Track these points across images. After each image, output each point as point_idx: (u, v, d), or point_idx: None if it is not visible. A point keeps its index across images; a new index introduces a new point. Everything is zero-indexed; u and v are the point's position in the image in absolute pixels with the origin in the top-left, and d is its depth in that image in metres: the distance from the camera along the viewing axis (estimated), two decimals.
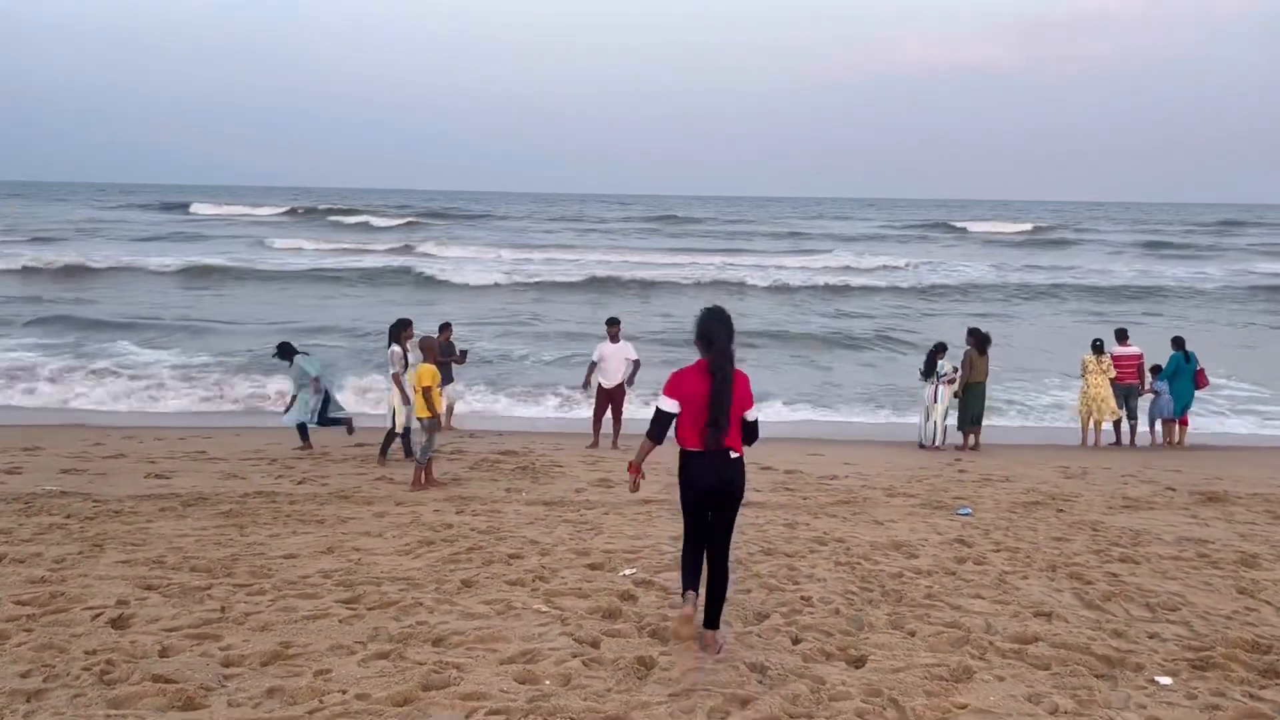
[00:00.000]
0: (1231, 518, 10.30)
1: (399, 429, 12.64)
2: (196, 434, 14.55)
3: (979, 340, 15.59)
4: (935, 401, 15.21)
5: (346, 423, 13.71)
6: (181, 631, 6.06)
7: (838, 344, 25.90)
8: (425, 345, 11.93)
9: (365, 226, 72.07)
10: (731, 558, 6.47)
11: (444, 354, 15.25)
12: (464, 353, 16.04)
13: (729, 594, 6.15)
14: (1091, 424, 15.78)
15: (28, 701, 5.03)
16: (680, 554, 6.21)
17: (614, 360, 14.28)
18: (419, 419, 11.46)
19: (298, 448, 13.48)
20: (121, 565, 7.57)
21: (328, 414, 13.73)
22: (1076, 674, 5.57)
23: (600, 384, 14.40)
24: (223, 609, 6.52)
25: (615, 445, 14.23)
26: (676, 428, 5.87)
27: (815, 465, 13.23)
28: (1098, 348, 15.93)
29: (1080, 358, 16.13)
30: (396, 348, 12.62)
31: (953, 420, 15.36)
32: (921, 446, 15.22)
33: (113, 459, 12.50)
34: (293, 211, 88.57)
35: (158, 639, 5.89)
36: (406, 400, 12.25)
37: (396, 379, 12.40)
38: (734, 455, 5.85)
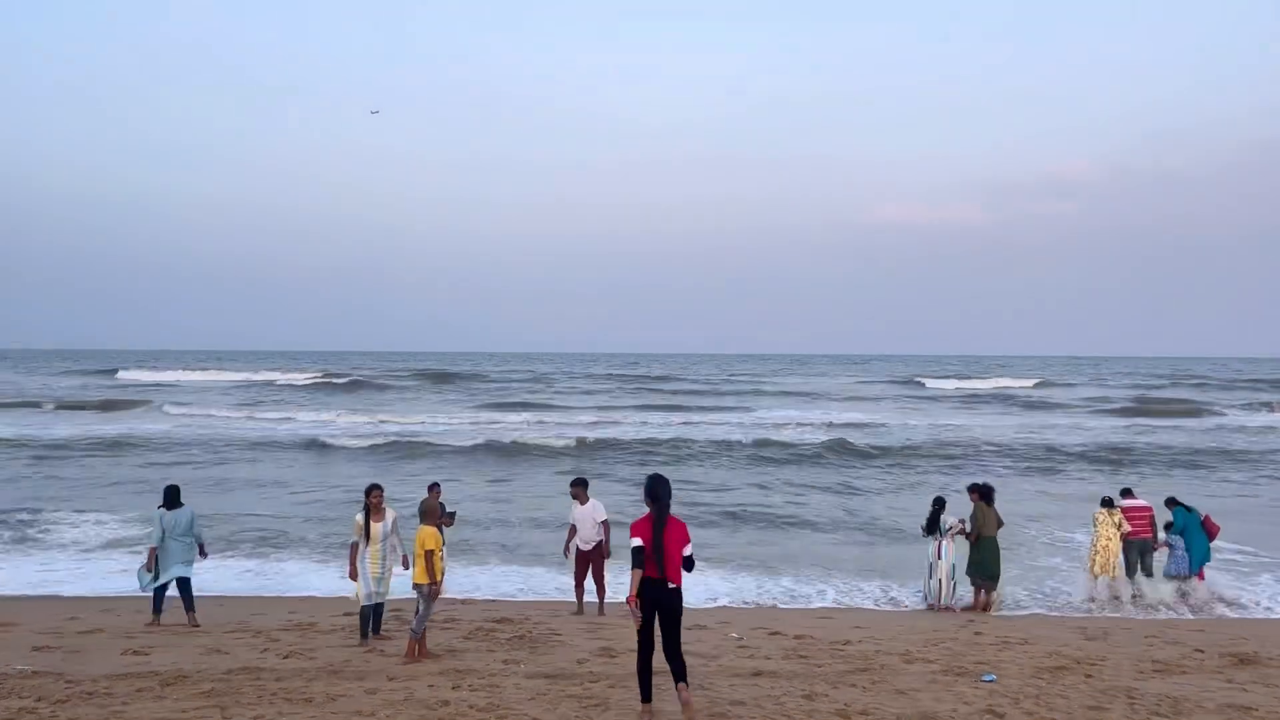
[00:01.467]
0: (1268, 680, 9.85)
1: (362, 601, 11.58)
2: (177, 604, 13.94)
3: (983, 492, 15.33)
4: (940, 558, 14.80)
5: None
6: None
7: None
8: (427, 507, 11.50)
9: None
10: None
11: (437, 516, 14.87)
12: (452, 514, 15.65)
13: None
14: (1101, 579, 15.36)
15: None
16: (636, 669, 8.30)
17: (584, 523, 13.78)
18: (416, 585, 10.93)
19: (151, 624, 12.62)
20: None
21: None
22: None
23: (578, 547, 13.90)
24: None
25: (601, 612, 13.69)
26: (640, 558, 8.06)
27: (825, 630, 12.73)
28: (1108, 502, 15.66)
29: (1092, 514, 15.82)
30: (359, 516, 11.66)
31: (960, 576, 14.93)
32: (930, 607, 14.73)
33: (88, 634, 11.91)
34: None
35: None
36: (352, 576, 11.52)
37: (351, 550, 11.56)
38: (672, 586, 8.12)
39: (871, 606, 14.96)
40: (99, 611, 13.31)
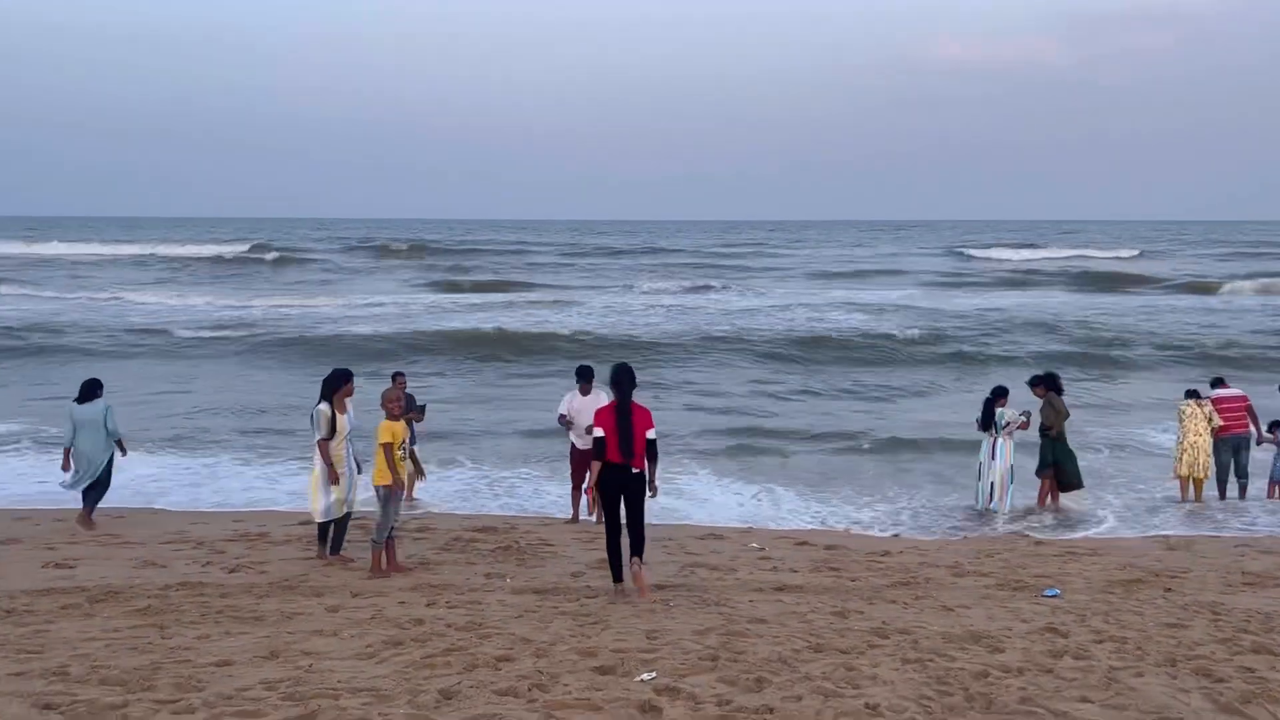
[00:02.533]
0: None
1: (318, 516, 11.65)
2: (105, 514, 14.21)
3: (1050, 383, 15.47)
4: (994, 458, 14.95)
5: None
6: None
7: None
8: (388, 397, 11.53)
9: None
10: (772, 654, 7.74)
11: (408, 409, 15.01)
12: (423, 407, 15.78)
13: None
14: (1191, 483, 15.56)
15: None
16: (606, 552, 10.13)
17: (586, 416, 13.28)
18: (376, 487, 11.11)
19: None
20: (14, 679, 7.23)
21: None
22: None
23: (574, 445, 14.07)
24: None
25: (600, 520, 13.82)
26: (603, 448, 9.82)
27: (859, 540, 12.98)
28: (1194, 394, 15.76)
29: (1177, 407, 15.92)
30: (324, 406, 11.59)
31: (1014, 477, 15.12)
32: (978, 511, 14.97)
33: (2, 545, 12.17)
34: None
35: None
36: (334, 479, 11.46)
37: (321, 447, 11.52)
38: (635, 471, 9.84)
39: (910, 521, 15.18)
40: (12, 520, 13.57)
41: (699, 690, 6.92)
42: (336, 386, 11.68)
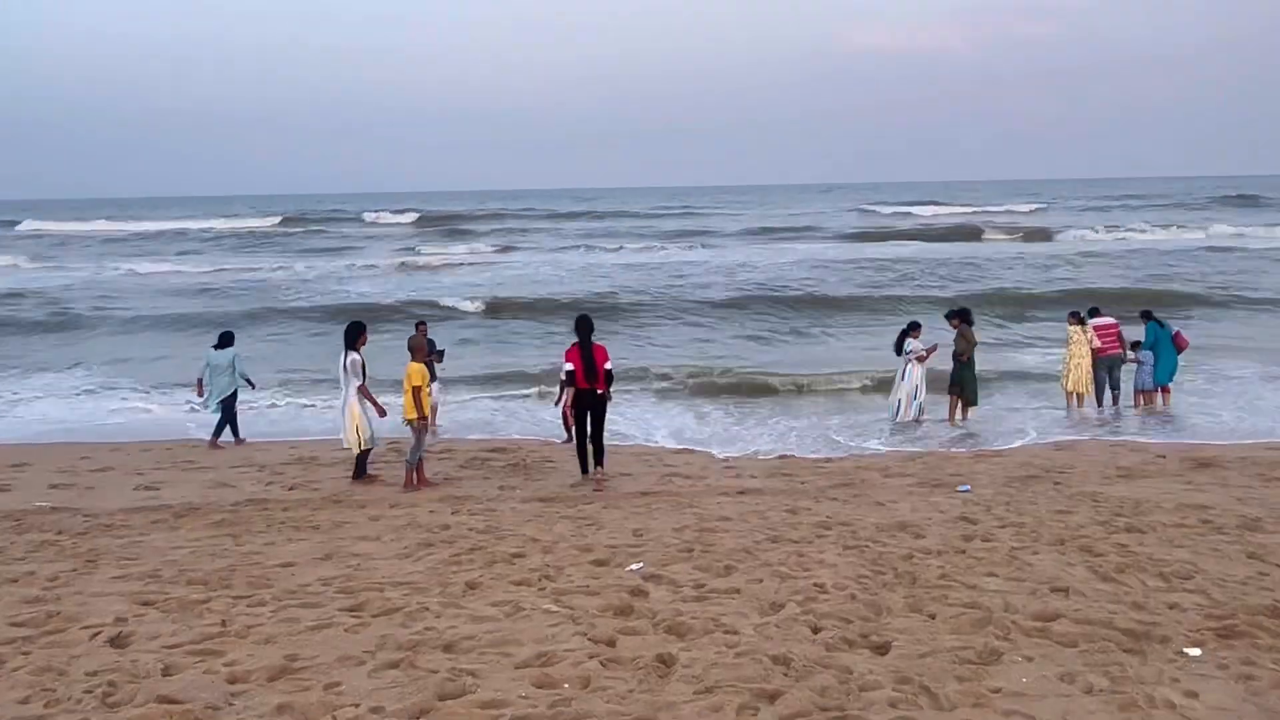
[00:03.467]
0: (1226, 482, 10.19)
1: (364, 445, 11.41)
2: (182, 444, 14.19)
3: (963, 316, 15.53)
4: (902, 379, 15.07)
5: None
6: (183, 648, 5.76)
7: None
8: (415, 344, 11.56)
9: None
10: (737, 546, 7.80)
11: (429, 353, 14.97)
12: (442, 351, 15.71)
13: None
14: (1076, 396, 15.69)
15: None
16: (576, 452, 11.51)
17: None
18: (406, 421, 11.11)
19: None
20: (117, 581, 7.25)
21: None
22: (1105, 650, 5.37)
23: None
24: (223, 623, 6.22)
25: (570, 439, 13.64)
26: (573, 378, 11.21)
27: (807, 448, 13.06)
28: (1080, 318, 15.81)
29: (1066, 331, 16.00)
30: (356, 355, 11.32)
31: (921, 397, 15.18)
32: (895, 422, 15.04)
33: (100, 472, 12.15)
34: None
35: (159, 657, 5.59)
36: (382, 412, 11.34)
37: (364, 391, 11.31)
38: (599, 392, 11.20)
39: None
40: (108, 451, 13.52)
41: (678, 576, 6.99)
42: (358, 335, 11.44)
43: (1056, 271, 35.90)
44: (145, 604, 6.64)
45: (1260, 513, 8.67)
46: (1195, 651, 5.35)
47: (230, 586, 7.05)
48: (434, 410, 15.03)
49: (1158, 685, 4.90)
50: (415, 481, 11.01)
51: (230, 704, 4.95)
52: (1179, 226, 57.06)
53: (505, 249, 52.79)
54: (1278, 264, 37.03)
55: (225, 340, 14.68)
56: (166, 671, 5.39)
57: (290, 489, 11.12)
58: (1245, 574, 6.81)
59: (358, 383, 11.29)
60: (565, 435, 13.98)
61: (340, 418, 11.53)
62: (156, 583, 7.18)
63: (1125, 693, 4.78)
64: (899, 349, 15.15)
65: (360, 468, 11.54)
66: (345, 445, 11.53)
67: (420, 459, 11.12)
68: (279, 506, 10.09)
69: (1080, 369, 15.50)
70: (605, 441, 11.57)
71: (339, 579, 7.18)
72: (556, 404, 11.54)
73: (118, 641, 5.91)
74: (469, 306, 29.66)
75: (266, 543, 8.44)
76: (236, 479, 11.66)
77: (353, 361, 11.26)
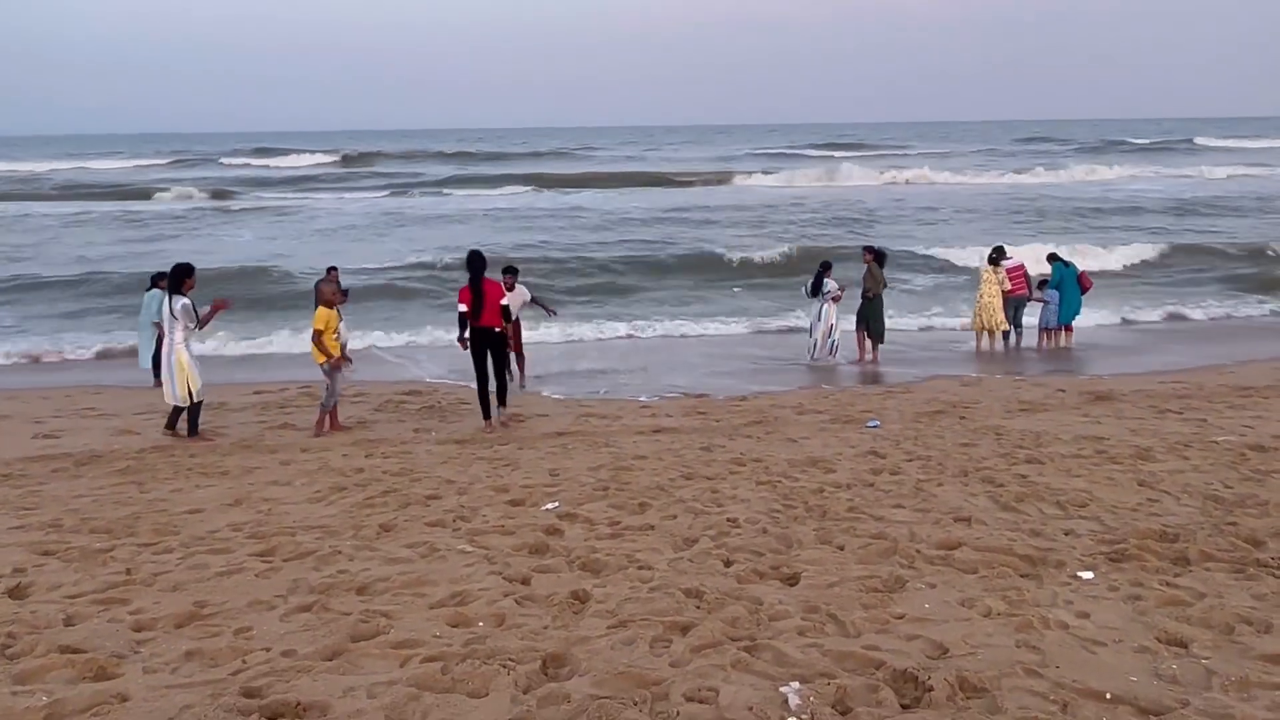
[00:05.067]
0: (1121, 414, 10.58)
1: (197, 398, 10.57)
2: (84, 390, 13.72)
3: (876, 255, 15.72)
4: (819, 320, 15.25)
5: None
6: (86, 598, 5.61)
7: None
8: (322, 288, 11.25)
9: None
10: (652, 483, 7.95)
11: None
12: (346, 291, 15.36)
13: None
14: (986, 334, 16.07)
15: None
16: (478, 396, 10.97)
17: (513, 305, 12.98)
18: (319, 365, 10.91)
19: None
20: (15, 531, 7.02)
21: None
22: (1003, 575, 5.58)
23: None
24: (128, 571, 6.07)
25: (522, 385, 13.68)
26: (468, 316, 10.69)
27: (723, 389, 13.18)
28: (994, 260, 16.14)
29: (979, 271, 16.33)
30: (185, 299, 10.37)
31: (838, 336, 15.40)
32: (812, 360, 15.25)
33: None
34: None
35: (61, 607, 5.44)
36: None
37: (197, 317, 10.44)
38: (496, 330, 10.81)
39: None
40: (4, 399, 13.02)
41: (594, 515, 7.04)
42: (185, 279, 10.50)
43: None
44: (45, 554, 6.45)
45: (1152, 442, 9.04)
46: (1088, 575, 5.58)
47: (135, 534, 6.89)
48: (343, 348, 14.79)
49: (1052, 607, 5.10)
50: (328, 426, 10.83)
51: (136, 652, 4.85)
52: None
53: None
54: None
55: (157, 280, 13.49)
56: (69, 621, 5.25)
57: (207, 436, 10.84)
58: (1136, 501, 7.11)
59: (190, 328, 10.42)
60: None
61: (167, 370, 10.57)
62: (57, 532, 6.98)
63: (1021, 615, 4.97)
64: (815, 290, 15.28)
65: (192, 423, 10.65)
66: (174, 401, 10.55)
67: (334, 404, 10.94)
68: (186, 453, 9.86)
69: (991, 308, 15.87)
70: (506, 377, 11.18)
71: (249, 524, 7.06)
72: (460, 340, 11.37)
73: (16, 592, 5.75)
74: None
75: (174, 489, 8.25)
76: (142, 425, 11.33)
77: (183, 307, 10.33)
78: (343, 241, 31.62)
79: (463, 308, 10.80)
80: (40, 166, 73.17)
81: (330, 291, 11.03)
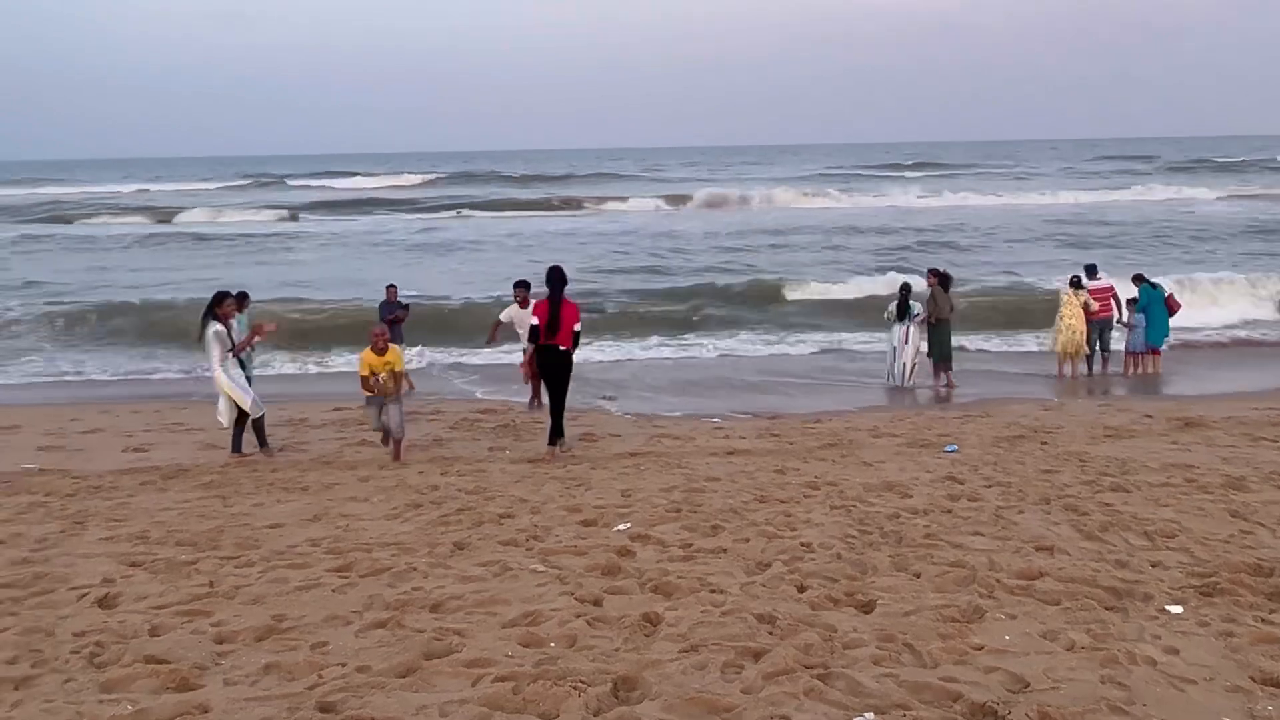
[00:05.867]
0: (1212, 442, 10.23)
1: (253, 413, 10.73)
2: (171, 405, 14.14)
3: (941, 278, 15.46)
4: (906, 342, 15.02)
5: None
6: (170, 609, 5.76)
7: None
8: (371, 332, 10.72)
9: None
10: (725, 506, 7.87)
11: (390, 312, 14.90)
12: (407, 306, 15.57)
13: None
14: (1069, 358, 15.69)
15: (15, 689, 4.72)
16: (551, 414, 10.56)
17: (523, 325, 12.63)
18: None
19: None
20: (105, 542, 7.25)
21: None
22: (1087, 608, 5.41)
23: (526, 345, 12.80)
24: (211, 583, 6.22)
25: (535, 404, 13.16)
26: (537, 333, 10.25)
27: (797, 410, 13.06)
28: (1076, 283, 15.78)
29: (1060, 294, 15.98)
30: (220, 325, 10.53)
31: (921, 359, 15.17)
32: (890, 387, 15.03)
33: (90, 434, 12.11)
34: None
35: (147, 617, 5.60)
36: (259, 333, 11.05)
37: (223, 346, 10.56)
38: (563, 349, 10.23)
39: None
40: (98, 413, 13.48)
41: (666, 536, 7.01)
42: (219, 305, 10.62)
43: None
44: (133, 565, 6.64)
45: (1245, 471, 8.71)
46: (1177, 609, 5.39)
47: (218, 547, 7.06)
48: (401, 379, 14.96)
49: (1139, 642, 4.93)
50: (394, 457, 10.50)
51: (217, 663, 4.96)
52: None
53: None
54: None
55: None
56: (154, 631, 5.39)
57: (280, 450, 11.09)
58: (1228, 532, 6.85)
59: (222, 353, 10.52)
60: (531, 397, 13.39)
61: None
62: (144, 544, 7.19)
63: (1106, 649, 4.81)
64: (901, 313, 15.02)
65: (260, 437, 10.86)
66: (221, 425, 10.85)
67: (387, 430, 10.62)
68: (268, 468, 10.08)
69: (1072, 331, 15.49)
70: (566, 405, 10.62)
71: (327, 540, 7.18)
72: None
73: (105, 602, 5.92)
74: None
75: (255, 504, 8.44)
76: (226, 440, 11.60)
77: (215, 333, 10.47)
78: (454, 261, 32.17)
79: (534, 320, 10.33)
80: (126, 188, 76.20)
81: (376, 334, 10.64)
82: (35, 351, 18.81)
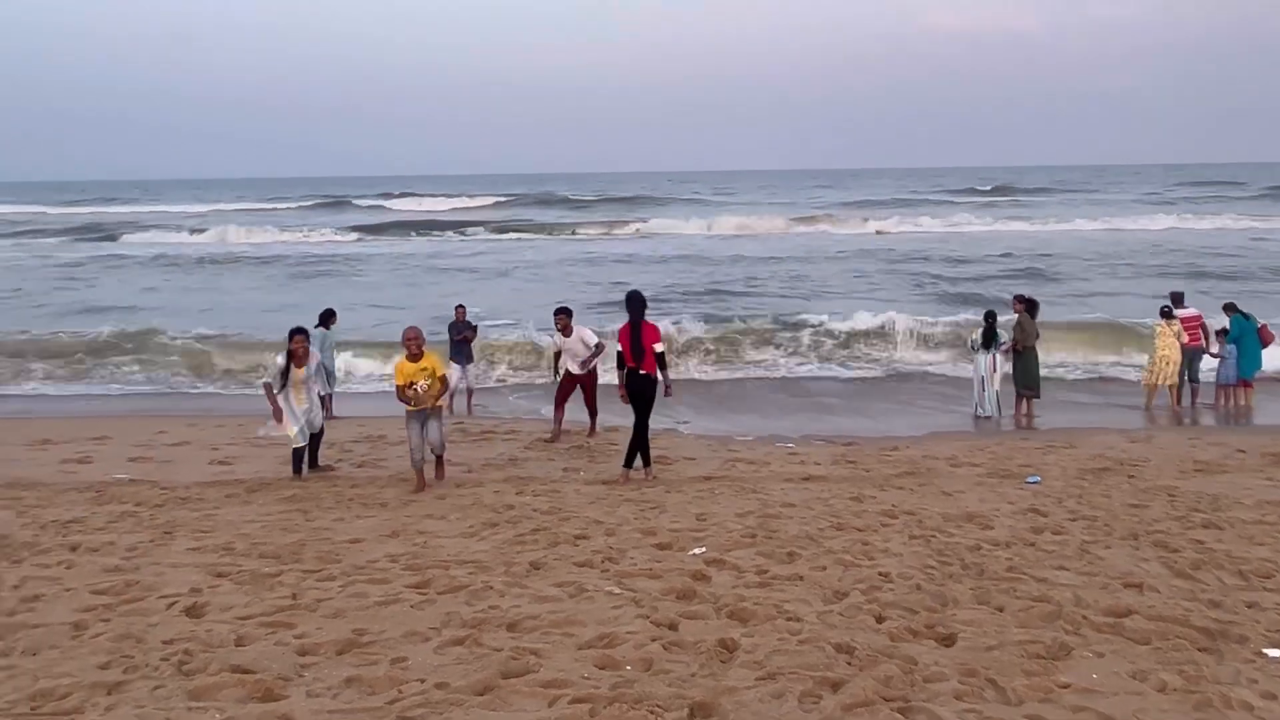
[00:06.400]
0: None
1: (296, 441, 10.70)
2: (256, 419, 14.48)
3: (1029, 304, 15.15)
4: (994, 371, 14.72)
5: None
6: (255, 619, 5.91)
7: None
8: (406, 335, 10.09)
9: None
10: (801, 532, 7.82)
11: (459, 332, 15.06)
12: (475, 327, 15.67)
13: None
14: (1159, 390, 15.22)
15: (108, 695, 4.89)
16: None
17: (574, 353, 12.67)
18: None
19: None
20: (192, 553, 7.47)
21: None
22: (1179, 648, 5.25)
23: (567, 369, 12.96)
24: (294, 596, 6.37)
25: (593, 432, 13.03)
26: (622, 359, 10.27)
27: (873, 437, 12.91)
28: (1167, 313, 15.36)
29: (1152, 325, 15.55)
30: (280, 358, 10.66)
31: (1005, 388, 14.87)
32: (978, 417, 14.77)
33: (177, 446, 12.48)
34: None
35: (233, 627, 5.75)
36: (278, 415, 10.56)
37: (267, 389, 10.66)
38: (643, 373, 10.23)
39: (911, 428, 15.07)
40: (185, 426, 13.88)
41: (741, 562, 6.98)
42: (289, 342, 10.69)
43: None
44: (219, 575, 6.82)
45: None
46: (1275, 652, 5.20)
47: (300, 560, 7.22)
48: (470, 393, 15.31)
49: (1234, 685, 4.77)
50: (425, 481, 10.09)
51: (300, 675, 5.06)
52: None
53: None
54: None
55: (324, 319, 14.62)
56: (240, 641, 5.53)
57: (359, 466, 11.30)
58: None
59: (278, 382, 10.58)
60: (554, 430, 12.94)
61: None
62: (230, 555, 7.38)
63: (1200, 692, 4.67)
64: (988, 341, 14.75)
65: (312, 458, 10.94)
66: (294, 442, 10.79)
67: (425, 458, 10.21)
68: (348, 483, 10.28)
69: (1167, 362, 15.05)
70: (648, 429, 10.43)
71: (406, 556, 7.30)
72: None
73: (193, 611, 6.09)
74: None
75: (336, 519, 8.61)
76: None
77: (276, 362, 10.68)
78: (516, 282, 32.59)
79: (617, 347, 10.43)
80: (197, 208, 78.81)
81: (407, 338, 10.08)
82: (122, 367, 19.42)
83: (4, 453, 12.03)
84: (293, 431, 10.68)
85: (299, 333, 10.89)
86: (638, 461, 10.47)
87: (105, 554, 7.43)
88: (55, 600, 6.34)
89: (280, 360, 10.67)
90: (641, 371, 10.22)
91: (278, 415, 10.62)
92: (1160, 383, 15.15)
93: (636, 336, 10.22)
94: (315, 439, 11.04)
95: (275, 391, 10.58)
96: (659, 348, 10.28)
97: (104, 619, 5.96)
